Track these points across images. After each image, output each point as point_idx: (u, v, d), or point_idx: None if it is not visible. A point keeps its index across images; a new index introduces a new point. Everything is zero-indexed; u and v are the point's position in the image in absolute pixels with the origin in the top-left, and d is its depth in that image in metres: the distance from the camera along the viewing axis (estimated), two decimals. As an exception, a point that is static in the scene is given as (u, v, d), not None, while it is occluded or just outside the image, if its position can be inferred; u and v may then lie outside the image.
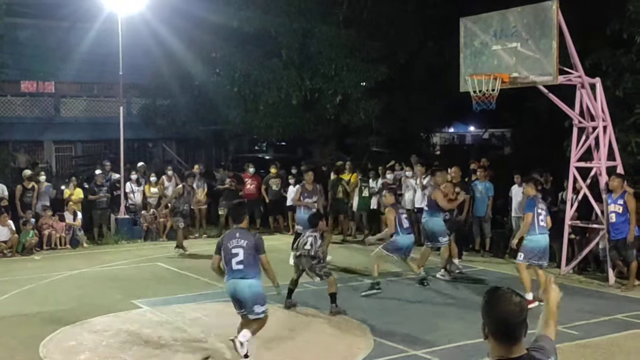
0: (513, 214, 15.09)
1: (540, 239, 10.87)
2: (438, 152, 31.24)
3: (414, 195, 16.77)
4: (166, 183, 18.57)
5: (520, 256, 10.95)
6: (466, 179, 15.98)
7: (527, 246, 10.90)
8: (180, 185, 16.82)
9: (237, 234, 8.19)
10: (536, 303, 9.27)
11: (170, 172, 19.10)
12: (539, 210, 10.88)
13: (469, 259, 14.91)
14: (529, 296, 10.18)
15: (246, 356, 7.97)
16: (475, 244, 15.90)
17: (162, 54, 22.62)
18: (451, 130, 42.41)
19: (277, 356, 8.65)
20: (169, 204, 16.88)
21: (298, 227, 14.27)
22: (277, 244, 17.23)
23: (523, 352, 3.11)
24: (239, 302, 8.12)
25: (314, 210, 13.47)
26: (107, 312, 10.65)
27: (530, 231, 10.85)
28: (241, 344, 7.91)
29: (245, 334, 7.97)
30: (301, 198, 14.48)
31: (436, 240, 12.87)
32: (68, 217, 17.31)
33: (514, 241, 11.63)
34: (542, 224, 10.88)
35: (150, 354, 8.66)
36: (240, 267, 8.02)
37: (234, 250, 8.06)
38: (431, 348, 8.74)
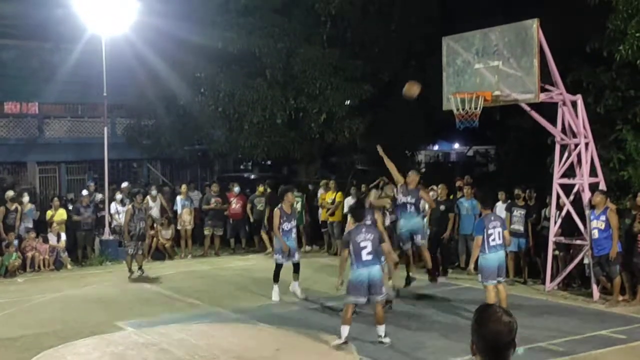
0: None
1: (492, 257, 10.77)
2: (423, 170, 31.28)
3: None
4: (151, 203, 18.42)
5: (479, 277, 10.93)
6: (451, 197, 16.05)
7: (482, 265, 10.84)
8: (129, 206, 16.23)
9: (363, 229, 9.75)
10: None
11: (154, 192, 19.00)
12: (490, 231, 10.77)
13: (455, 277, 14.93)
14: None
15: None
16: (460, 262, 15.92)
17: (146, 75, 22.56)
18: (436, 147, 42.46)
19: (263, 377, 8.62)
20: (129, 228, 15.74)
21: (277, 257, 12.78)
22: (265, 264, 17.20)
23: (510, 370, 3.13)
24: (370, 287, 9.52)
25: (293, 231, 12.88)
26: (91, 334, 10.56)
27: (481, 252, 10.81)
28: (384, 335, 9.64)
29: (382, 329, 9.67)
30: (281, 222, 12.60)
31: None
32: (52, 238, 17.17)
33: (471, 266, 11.37)
34: (493, 243, 10.75)
35: (134, 377, 8.59)
36: (370, 257, 9.57)
37: (362, 244, 9.57)
38: (417, 366, 8.74)
